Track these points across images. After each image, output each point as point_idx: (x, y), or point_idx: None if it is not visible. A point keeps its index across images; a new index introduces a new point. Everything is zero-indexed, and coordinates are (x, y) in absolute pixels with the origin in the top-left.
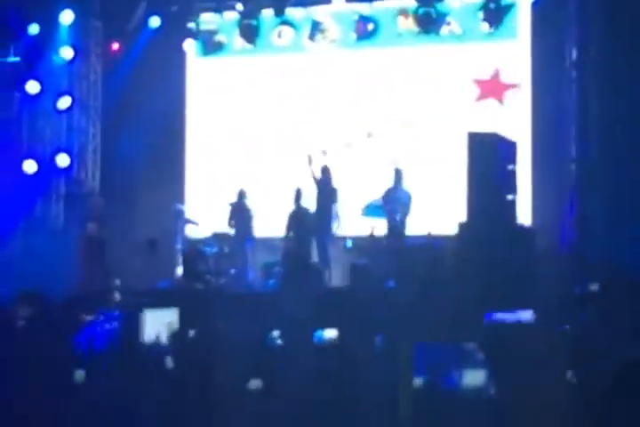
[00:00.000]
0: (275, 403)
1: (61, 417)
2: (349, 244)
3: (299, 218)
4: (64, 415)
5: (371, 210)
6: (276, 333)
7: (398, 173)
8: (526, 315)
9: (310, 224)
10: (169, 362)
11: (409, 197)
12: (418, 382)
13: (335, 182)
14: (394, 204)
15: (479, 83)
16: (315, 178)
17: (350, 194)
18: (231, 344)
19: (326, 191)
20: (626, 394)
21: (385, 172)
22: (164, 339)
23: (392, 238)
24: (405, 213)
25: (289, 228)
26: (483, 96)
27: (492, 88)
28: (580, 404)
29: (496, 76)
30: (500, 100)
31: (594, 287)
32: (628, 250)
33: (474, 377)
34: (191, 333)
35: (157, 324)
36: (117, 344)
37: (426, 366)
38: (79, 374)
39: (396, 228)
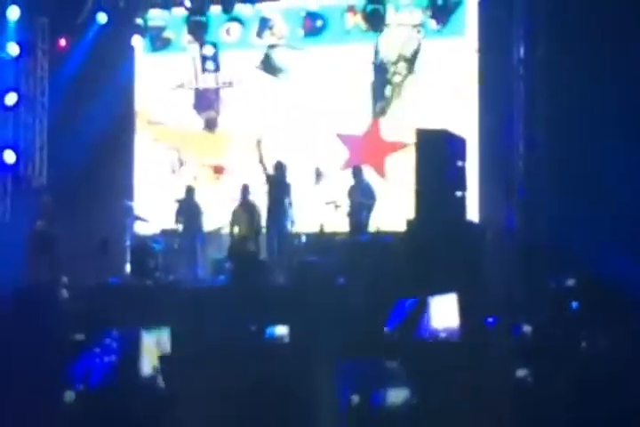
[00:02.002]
0: (220, 404)
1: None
2: (303, 239)
3: (246, 214)
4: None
5: None
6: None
7: (359, 171)
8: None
9: (257, 220)
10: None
11: (372, 194)
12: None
13: (288, 178)
14: (356, 201)
15: None
16: (267, 173)
17: (303, 190)
18: (183, 341)
19: (279, 187)
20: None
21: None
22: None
23: (349, 235)
24: (369, 210)
25: (234, 223)
26: None
27: None
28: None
29: None
30: None
31: (544, 283)
32: (574, 244)
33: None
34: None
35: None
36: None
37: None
38: (69, 396)
39: (359, 225)
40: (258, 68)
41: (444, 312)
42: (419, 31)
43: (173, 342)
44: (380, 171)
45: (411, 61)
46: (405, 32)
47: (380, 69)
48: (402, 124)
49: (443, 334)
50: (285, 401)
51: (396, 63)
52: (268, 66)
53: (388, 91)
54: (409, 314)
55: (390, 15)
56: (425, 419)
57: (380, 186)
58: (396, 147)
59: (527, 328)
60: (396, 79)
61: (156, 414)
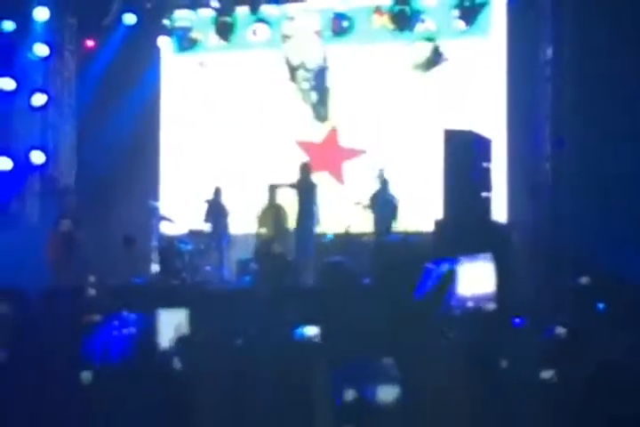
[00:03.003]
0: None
1: (65, 420)
2: (330, 237)
3: (272, 214)
4: (68, 419)
5: None
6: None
7: (383, 177)
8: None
9: (284, 221)
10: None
11: (395, 202)
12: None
13: (314, 179)
14: (380, 207)
15: None
16: (294, 175)
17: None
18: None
19: (304, 188)
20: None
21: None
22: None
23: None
24: (393, 218)
25: (260, 224)
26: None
27: None
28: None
29: None
30: None
31: (571, 283)
32: (602, 246)
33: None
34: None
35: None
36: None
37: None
38: (86, 376)
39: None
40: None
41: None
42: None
43: (196, 341)
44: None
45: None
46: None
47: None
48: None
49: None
50: (305, 399)
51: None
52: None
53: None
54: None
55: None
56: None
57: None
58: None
59: (558, 329)
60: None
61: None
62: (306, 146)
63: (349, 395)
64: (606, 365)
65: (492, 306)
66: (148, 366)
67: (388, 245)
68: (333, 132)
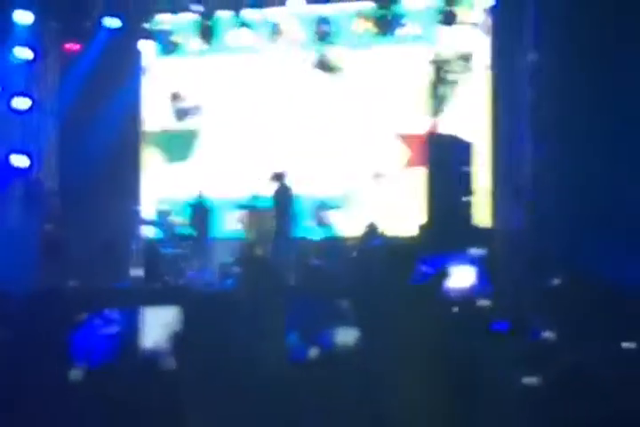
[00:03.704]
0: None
1: (53, 422)
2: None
3: (255, 218)
4: (55, 420)
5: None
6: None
7: None
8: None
9: (267, 224)
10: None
11: None
12: None
13: (294, 185)
14: None
15: None
16: (274, 180)
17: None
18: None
19: (285, 193)
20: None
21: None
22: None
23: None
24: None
25: (245, 228)
26: None
27: None
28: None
29: None
30: None
31: (552, 286)
32: (585, 249)
33: None
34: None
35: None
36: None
37: None
38: (74, 374)
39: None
40: (314, 68)
41: None
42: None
43: (179, 343)
44: None
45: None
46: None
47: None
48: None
49: None
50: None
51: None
52: (323, 65)
53: (444, 90)
54: None
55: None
56: None
57: None
58: None
59: (541, 332)
60: (452, 78)
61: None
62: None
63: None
64: (588, 368)
65: (474, 309)
66: (132, 366)
67: (369, 250)
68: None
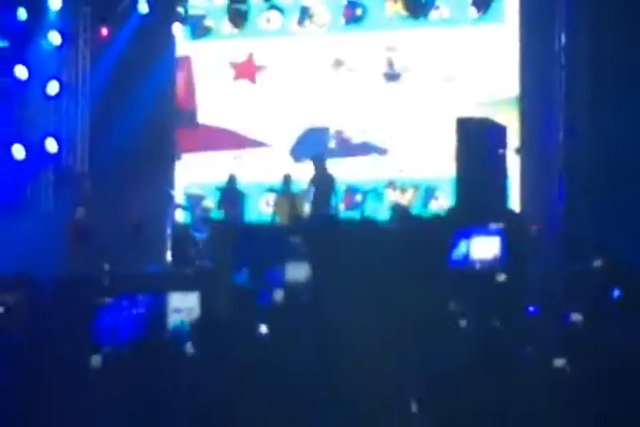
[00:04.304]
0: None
1: (76, 406)
2: None
3: (288, 203)
4: (79, 404)
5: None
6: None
7: None
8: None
9: (300, 210)
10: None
11: None
12: None
13: (331, 170)
14: None
15: None
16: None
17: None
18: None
19: (322, 178)
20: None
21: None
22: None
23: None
24: None
25: (275, 212)
26: None
27: None
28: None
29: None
30: None
31: (584, 269)
32: (616, 232)
33: None
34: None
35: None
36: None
37: None
38: (95, 360)
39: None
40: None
41: None
42: None
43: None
44: None
45: None
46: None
47: None
48: None
49: None
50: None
51: None
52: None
53: None
54: None
55: None
56: None
57: None
58: None
59: (573, 316)
60: None
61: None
62: None
63: None
64: (621, 353)
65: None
66: (159, 349)
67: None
68: None
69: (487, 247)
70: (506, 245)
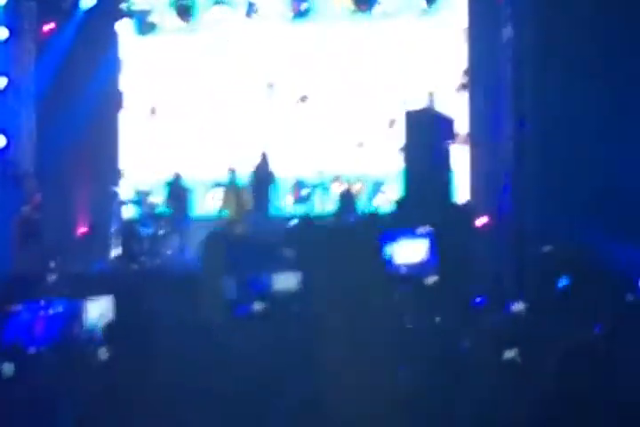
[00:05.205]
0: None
1: None
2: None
3: (233, 197)
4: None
5: None
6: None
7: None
8: None
9: (246, 203)
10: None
11: None
12: None
13: (272, 165)
14: None
15: None
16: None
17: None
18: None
19: (263, 173)
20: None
21: None
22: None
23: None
24: None
25: (222, 206)
26: None
27: None
28: None
29: None
30: None
31: (531, 260)
32: (561, 224)
33: None
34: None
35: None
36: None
37: None
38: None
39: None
40: None
41: None
42: None
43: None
44: None
45: None
46: None
47: None
48: None
49: None
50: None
51: None
52: None
53: None
54: None
55: None
56: None
57: None
58: None
59: (516, 308)
60: None
61: None
62: None
63: None
64: (569, 343)
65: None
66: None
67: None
68: None
69: (413, 252)
70: (436, 246)
